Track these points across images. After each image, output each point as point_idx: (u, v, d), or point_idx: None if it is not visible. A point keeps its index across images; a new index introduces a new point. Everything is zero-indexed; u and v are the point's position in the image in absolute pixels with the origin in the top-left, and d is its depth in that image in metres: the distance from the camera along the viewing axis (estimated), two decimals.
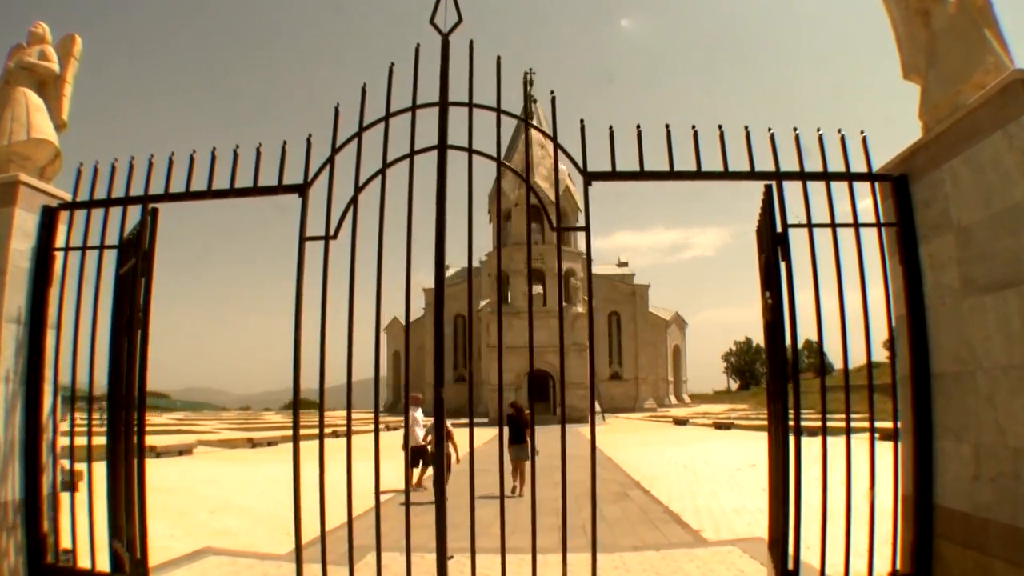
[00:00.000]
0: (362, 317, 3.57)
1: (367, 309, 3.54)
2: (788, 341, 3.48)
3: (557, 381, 35.63)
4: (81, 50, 5.15)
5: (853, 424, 3.50)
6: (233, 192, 3.88)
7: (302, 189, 3.72)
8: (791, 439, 3.41)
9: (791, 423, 3.41)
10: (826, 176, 3.60)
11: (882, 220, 3.74)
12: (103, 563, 3.87)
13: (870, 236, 3.70)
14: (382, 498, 3.52)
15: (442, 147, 3.55)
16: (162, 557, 5.37)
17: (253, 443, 20.56)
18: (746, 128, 3.49)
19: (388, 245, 3.47)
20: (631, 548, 5.47)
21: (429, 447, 9.43)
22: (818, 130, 3.57)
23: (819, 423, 3.37)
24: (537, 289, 45.83)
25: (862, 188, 3.74)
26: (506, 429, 8.73)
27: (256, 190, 3.84)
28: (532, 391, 3.28)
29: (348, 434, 3.44)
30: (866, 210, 3.73)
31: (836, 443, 3.31)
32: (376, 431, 3.40)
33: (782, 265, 3.50)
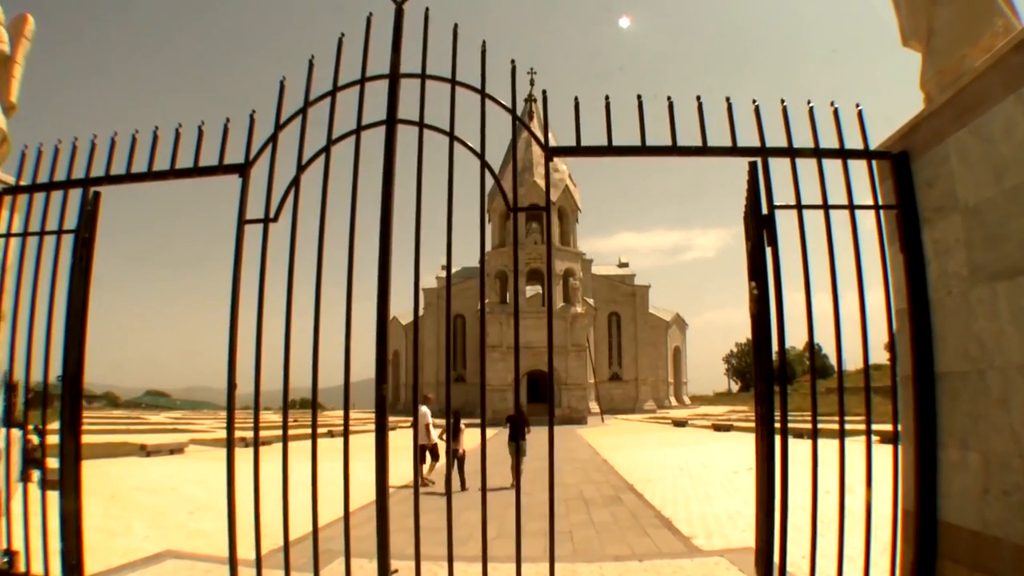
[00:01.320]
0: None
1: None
2: (775, 335, 3.15)
3: (555, 382, 35.31)
4: (33, 30, 4.90)
5: (852, 427, 3.16)
6: (173, 173, 3.67)
7: (242, 169, 3.47)
8: (777, 442, 3.10)
9: (777, 425, 3.09)
10: (817, 153, 3.24)
11: (880, 202, 3.37)
12: (54, 568, 3.62)
13: (868, 223, 3.34)
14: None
15: (391, 121, 3.25)
16: (131, 557, 5.24)
17: (247, 442, 20.37)
18: (727, 100, 3.14)
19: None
20: (612, 558, 5.15)
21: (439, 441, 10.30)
22: (808, 103, 3.21)
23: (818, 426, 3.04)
24: (537, 289, 45.57)
25: (860, 182, 3.37)
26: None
27: (196, 171, 3.60)
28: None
29: (285, 438, 3.14)
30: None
31: (834, 447, 3.00)
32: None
33: (768, 251, 3.16)
